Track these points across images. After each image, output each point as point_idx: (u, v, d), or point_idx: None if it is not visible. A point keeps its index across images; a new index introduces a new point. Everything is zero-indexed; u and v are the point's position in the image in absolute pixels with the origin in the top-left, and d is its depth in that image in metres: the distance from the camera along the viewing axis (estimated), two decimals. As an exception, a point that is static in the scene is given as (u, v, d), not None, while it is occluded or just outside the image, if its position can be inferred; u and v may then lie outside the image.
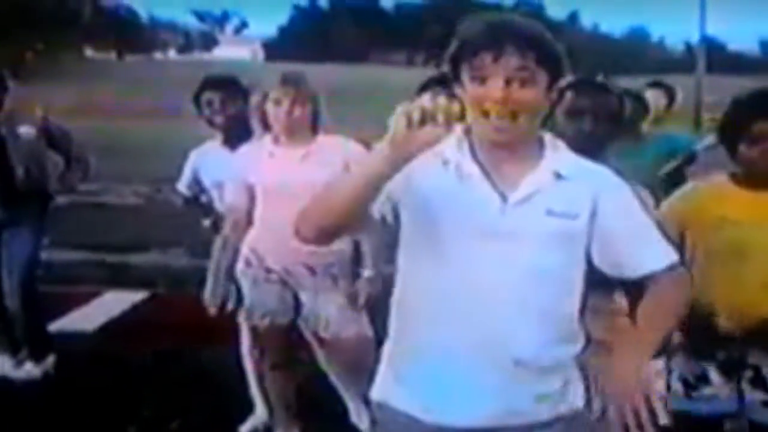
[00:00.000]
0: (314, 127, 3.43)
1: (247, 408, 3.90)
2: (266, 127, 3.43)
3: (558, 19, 61.76)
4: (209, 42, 78.23)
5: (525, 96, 1.77)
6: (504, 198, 1.82)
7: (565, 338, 1.89)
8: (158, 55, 67.51)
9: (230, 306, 3.55)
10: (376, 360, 2.01)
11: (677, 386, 2.66)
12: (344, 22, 68.21)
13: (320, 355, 3.68)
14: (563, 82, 1.95)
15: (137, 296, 6.31)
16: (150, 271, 7.27)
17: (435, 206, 1.83)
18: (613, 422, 1.79)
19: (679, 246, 2.39)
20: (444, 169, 1.85)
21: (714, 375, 2.63)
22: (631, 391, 1.77)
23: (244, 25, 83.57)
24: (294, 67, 6.09)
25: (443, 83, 2.39)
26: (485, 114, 1.78)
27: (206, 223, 4.06)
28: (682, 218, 2.61)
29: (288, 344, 3.62)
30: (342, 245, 3.33)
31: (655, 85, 5.44)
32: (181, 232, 6.36)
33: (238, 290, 3.52)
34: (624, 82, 4.27)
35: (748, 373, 2.61)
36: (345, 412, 3.79)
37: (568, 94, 2.49)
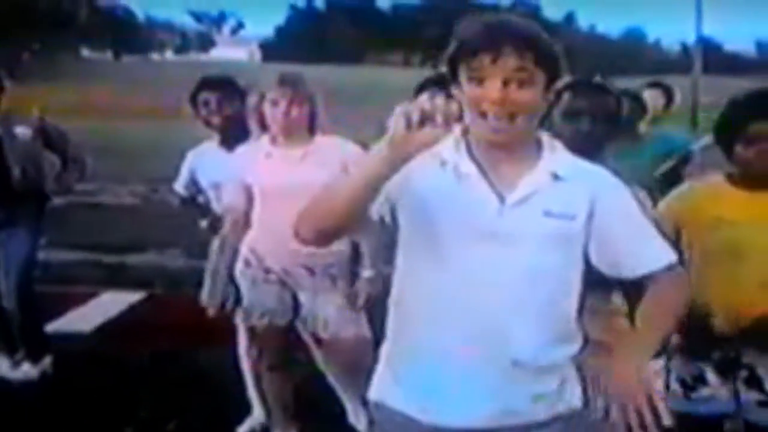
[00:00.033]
0: (311, 128, 3.42)
1: (245, 409, 3.89)
2: (263, 127, 3.42)
3: (555, 20, 61.90)
4: (206, 42, 78.24)
5: (523, 97, 1.77)
6: (502, 199, 1.82)
7: (563, 339, 1.89)
8: (155, 56, 67.53)
9: (229, 306, 3.55)
10: (374, 360, 2.01)
11: (675, 387, 2.66)
12: (341, 22, 68.21)
13: (318, 356, 3.68)
14: (561, 83, 1.95)
15: (134, 297, 6.29)
16: (147, 271, 7.24)
17: (433, 207, 1.83)
18: (615, 422, 1.79)
19: (676, 246, 2.39)
20: (442, 169, 1.84)
21: (711, 375, 2.63)
22: (634, 392, 1.77)
23: (241, 25, 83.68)
24: (291, 68, 6.11)
25: (441, 84, 2.39)
26: (483, 115, 1.78)
27: (203, 223, 4.05)
28: (678, 218, 2.61)
29: (286, 345, 3.62)
30: (341, 246, 3.33)
31: (654, 85, 5.44)
32: (178, 233, 6.35)
33: (237, 291, 3.52)
34: (621, 83, 4.26)
35: (743, 373, 2.61)
36: (343, 412, 3.78)
37: (566, 95, 2.49)
